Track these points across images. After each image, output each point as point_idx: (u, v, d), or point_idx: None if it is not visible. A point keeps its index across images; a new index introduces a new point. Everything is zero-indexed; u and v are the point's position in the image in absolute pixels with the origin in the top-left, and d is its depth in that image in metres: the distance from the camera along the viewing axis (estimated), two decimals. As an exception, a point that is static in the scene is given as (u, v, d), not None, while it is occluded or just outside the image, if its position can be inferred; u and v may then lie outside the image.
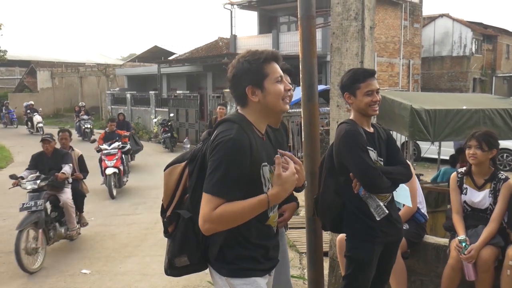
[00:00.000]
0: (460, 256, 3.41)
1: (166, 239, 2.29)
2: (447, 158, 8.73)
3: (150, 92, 24.36)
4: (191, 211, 2.13)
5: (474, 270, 3.40)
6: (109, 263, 6.11)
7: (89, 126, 20.80)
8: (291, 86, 2.23)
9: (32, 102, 26.00)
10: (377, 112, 2.92)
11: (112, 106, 27.21)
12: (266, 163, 2.11)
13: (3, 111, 28.48)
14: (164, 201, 2.27)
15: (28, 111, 24.87)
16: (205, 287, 5.11)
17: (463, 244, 3.41)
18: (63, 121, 30.16)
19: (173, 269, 2.23)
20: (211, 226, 1.97)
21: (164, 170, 2.28)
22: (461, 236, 3.47)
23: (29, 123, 24.30)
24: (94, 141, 11.63)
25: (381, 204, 2.78)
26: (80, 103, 25.67)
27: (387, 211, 2.78)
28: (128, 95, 25.87)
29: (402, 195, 3.59)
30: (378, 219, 2.77)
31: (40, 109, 25.30)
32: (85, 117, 21.59)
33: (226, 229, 2.03)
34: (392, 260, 3.10)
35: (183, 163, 2.21)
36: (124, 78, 31.28)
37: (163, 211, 2.28)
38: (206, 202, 1.97)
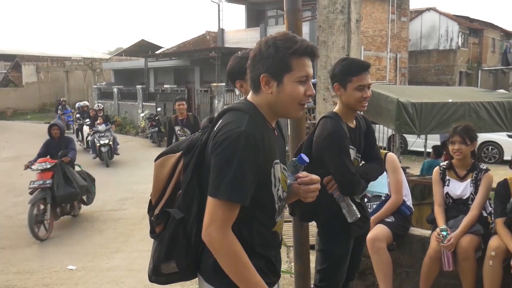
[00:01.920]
0: (440, 245, 3.46)
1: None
2: (434, 150, 8.83)
3: (137, 86, 24.21)
4: (184, 210, 1.82)
5: (452, 260, 3.46)
6: (96, 259, 6.07)
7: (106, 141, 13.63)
8: (314, 92, 1.88)
9: (87, 103, 18.90)
10: (366, 108, 2.83)
11: (99, 101, 26.97)
12: (278, 161, 1.84)
13: (59, 111, 21.85)
14: (153, 196, 1.94)
15: (78, 115, 17.94)
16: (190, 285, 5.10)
17: (444, 233, 3.47)
18: (49, 116, 29.83)
19: (158, 275, 1.91)
20: (214, 238, 1.69)
21: (155, 160, 1.95)
22: (442, 225, 3.54)
23: (80, 133, 17.43)
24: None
25: (354, 208, 2.76)
26: (62, 98, 24.65)
27: (359, 215, 2.77)
28: (115, 90, 25.67)
29: (378, 184, 3.62)
30: (350, 221, 2.76)
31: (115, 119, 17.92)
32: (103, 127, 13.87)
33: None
34: (361, 250, 3.12)
35: (178, 154, 1.89)
36: (111, 72, 31.04)
37: (151, 208, 1.95)
38: (214, 207, 1.68)
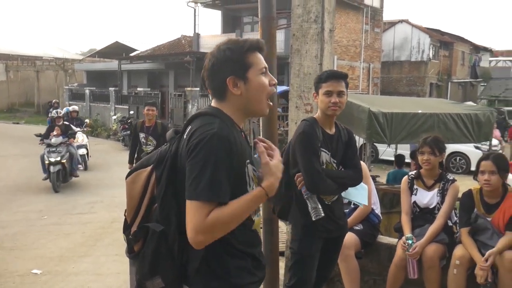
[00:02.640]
0: (406, 253, 3.53)
1: (123, 240, 1.97)
2: (406, 160, 8.97)
3: (110, 88, 23.93)
4: (162, 223, 1.79)
5: (417, 268, 3.52)
6: (62, 263, 5.94)
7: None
8: (276, 80, 1.98)
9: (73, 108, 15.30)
10: (336, 112, 2.94)
11: (70, 102, 26.55)
12: (248, 161, 1.86)
13: (50, 114, 19.09)
14: (128, 215, 1.89)
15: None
16: None
17: (410, 241, 3.53)
18: (18, 116, 29.20)
19: None
20: (205, 237, 1.68)
21: (126, 178, 1.92)
22: (408, 234, 3.61)
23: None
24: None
25: (319, 206, 2.84)
26: (54, 100, 22.73)
27: (322, 214, 2.84)
28: (87, 91, 25.32)
29: (360, 194, 3.66)
30: (313, 219, 2.83)
31: (87, 120, 15.96)
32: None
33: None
34: (335, 255, 3.18)
35: (149, 168, 1.86)
36: (83, 74, 30.60)
37: (127, 228, 1.90)
38: (196, 210, 1.66)
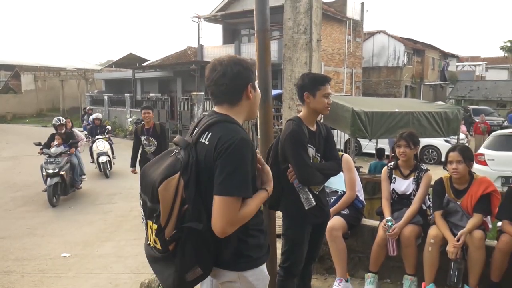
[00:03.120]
0: (386, 234, 3.54)
1: (141, 223, 1.93)
2: (385, 153, 8.97)
3: (126, 94, 23.83)
4: (196, 221, 1.81)
5: (396, 246, 3.55)
6: (88, 247, 5.95)
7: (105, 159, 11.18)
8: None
9: (100, 115, 13.07)
10: (328, 112, 2.96)
11: (91, 107, 26.48)
12: None
13: (84, 121, 18.03)
14: (162, 219, 1.82)
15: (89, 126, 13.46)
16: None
17: (389, 223, 3.55)
18: (46, 120, 29.09)
19: (183, 285, 1.86)
20: (235, 227, 1.78)
21: (157, 187, 1.83)
22: (388, 217, 3.62)
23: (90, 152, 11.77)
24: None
25: (311, 196, 2.83)
26: (88, 107, 20.29)
27: (314, 203, 2.83)
28: (106, 97, 25.21)
29: (337, 181, 3.69)
30: (306, 208, 2.82)
31: (109, 127, 12.79)
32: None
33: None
34: (320, 239, 3.16)
35: (177, 175, 1.82)
36: (102, 82, 30.48)
37: (160, 231, 1.84)
38: (230, 204, 1.73)
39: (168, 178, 1.83)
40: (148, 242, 1.94)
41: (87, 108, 20.60)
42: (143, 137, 6.93)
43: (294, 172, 2.81)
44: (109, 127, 12.63)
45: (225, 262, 1.90)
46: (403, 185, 3.76)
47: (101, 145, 11.28)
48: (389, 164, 3.98)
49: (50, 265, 5.30)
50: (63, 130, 8.92)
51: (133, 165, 7.09)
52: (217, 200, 1.74)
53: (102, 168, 10.99)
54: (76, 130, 10.00)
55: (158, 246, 1.86)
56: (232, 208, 1.74)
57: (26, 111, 32.87)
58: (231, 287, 1.96)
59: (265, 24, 3.53)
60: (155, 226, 1.85)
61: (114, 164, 11.49)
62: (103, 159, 11.03)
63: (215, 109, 1.97)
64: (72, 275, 5.01)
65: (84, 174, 9.39)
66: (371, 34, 31.71)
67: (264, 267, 2.00)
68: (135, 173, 6.95)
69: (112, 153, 11.63)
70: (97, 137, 11.60)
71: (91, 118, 13.48)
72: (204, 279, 1.93)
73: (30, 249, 5.83)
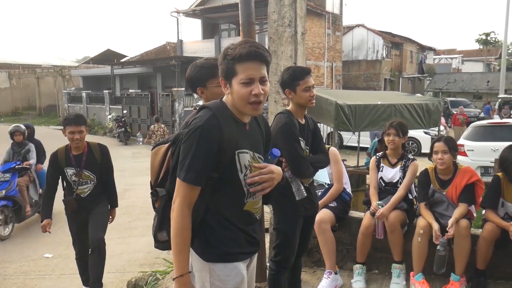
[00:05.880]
0: (375, 216, 3.60)
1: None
2: (366, 146, 9.05)
3: (104, 91, 23.52)
4: (170, 189, 1.90)
5: (382, 230, 3.63)
6: (71, 247, 5.77)
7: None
8: (261, 91, 1.80)
9: None
10: (314, 105, 2.94)
11: (69, 104, 26.02)
12: (246, 150, 1.87)
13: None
14: (152, 178, 2.07)
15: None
16: (160, 264, 5.01)
17: (380, 207, 3.62)
18: (22, 118, 28.43)
19: (156, 242, 2.02)
20: (175, 211, 1.79)
21: (151, 150, 2.11)
22: (378, 201, 3.69)
23: None
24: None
25: (302, 188, 2.82)
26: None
27: (305, 194, 2.82)
28: (84, 94, 24.82)
29: (322, 175, 3.71)
30: (297, 199, 2.81)
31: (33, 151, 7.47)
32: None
33: (203, 209, 1.85)
34: (310, 230, 3.16)
35: (167, 144, 2.01)
36: (80, 79, 29.96)
37: (152, 188, 2.07)
38: (180, 186, 1.80)
39: (160, 145, 2.06)
40: None
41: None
42: (69, 171, 4.03)
43: (286, 164, 2.80)
44: (32, 151, 7.06)
45: (193, 246, 1.90)
46: (390, 173, 3.81)
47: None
48: (377, 154, 4.03)
49: (32, 266, 5.20)
50: (21, 139, 6.86)
51: (47, 215, 4.11)
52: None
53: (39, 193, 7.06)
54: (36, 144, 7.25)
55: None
56: (181, 191, 1.80)
57: (0, 109, 32.08)
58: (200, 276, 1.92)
59: (250, 17, 3.52)
60: None
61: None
62: None
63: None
64: (56, 276, 4.91)
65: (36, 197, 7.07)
66: (350, 28, 31.95)
67: (242, 265, 1.92)
68: (49, 231, 4.19)
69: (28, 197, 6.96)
70: (7, 165, 6.71)
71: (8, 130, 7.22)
72: None
73: (11, 251, 5.69)
